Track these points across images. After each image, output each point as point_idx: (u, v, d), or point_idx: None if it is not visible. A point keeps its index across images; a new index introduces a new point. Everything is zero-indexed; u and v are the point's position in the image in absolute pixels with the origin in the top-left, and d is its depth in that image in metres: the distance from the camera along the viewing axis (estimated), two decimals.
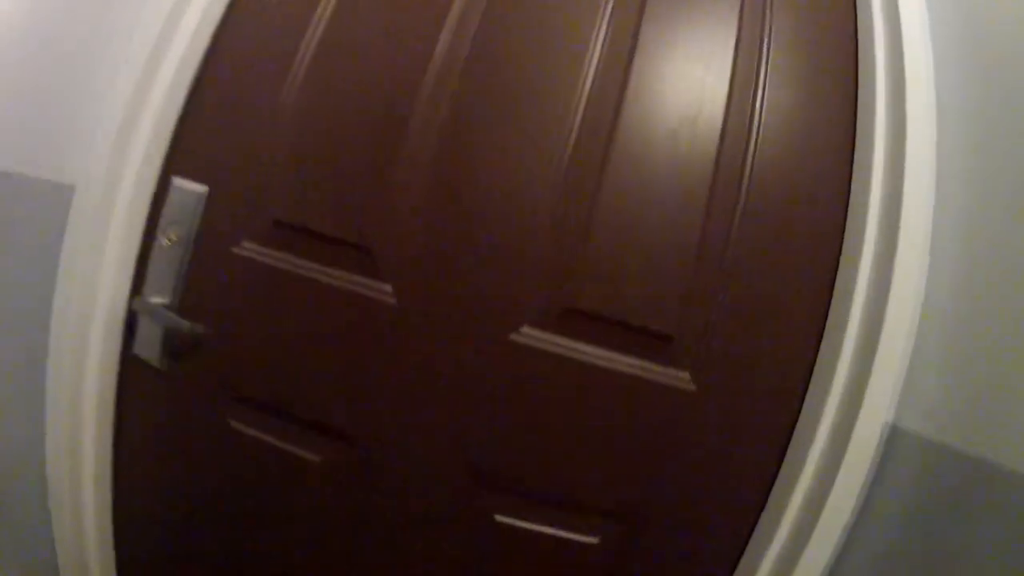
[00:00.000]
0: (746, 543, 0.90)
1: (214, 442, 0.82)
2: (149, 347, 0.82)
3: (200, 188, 0.81)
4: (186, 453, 0.83)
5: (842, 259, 0.86)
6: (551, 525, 0.87)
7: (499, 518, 0.85)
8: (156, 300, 0.81)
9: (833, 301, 0.87)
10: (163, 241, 0.82)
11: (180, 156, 0.83)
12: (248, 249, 0.80)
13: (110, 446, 0.86)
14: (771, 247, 0.87)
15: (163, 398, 0.84)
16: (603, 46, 0.85)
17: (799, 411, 0.88)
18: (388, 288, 0.78)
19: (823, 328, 0.87)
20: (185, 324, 0.77)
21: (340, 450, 0.80)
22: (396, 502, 0.81)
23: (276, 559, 0.84)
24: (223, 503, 0.83)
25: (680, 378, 0.86)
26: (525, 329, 0.80)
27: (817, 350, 0.87)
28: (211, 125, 0.83)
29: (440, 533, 0.83)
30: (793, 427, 0.88)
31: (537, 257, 0.80)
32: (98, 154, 0.81)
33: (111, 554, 0.89)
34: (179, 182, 0.82)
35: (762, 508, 0.89)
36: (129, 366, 0.85)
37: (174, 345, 0.81)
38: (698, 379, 0.86)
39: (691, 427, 0.86)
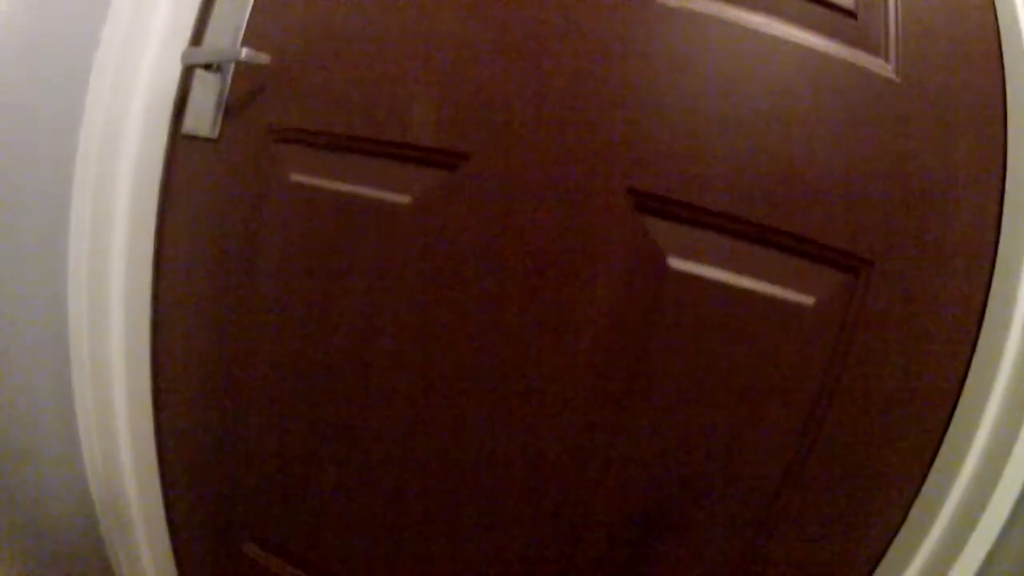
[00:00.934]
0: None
1: (276, 208, 0.59)
2: (200, 114, 0.64)
3: None
4: (241, 233, 0.61)
5: None
6: (749, 275, 0.59)
7: (673, 263, 0.58)
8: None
9: None
10: None
11: None
12: None
13: (151, 250, 0.64)
14: None
15: (214, 173, 0.63)
16: None
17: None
18: None
19: None
20: (244, 51, 0.59)
21: (439, 180, 0.56)
22: (520, 243, 0.55)
23: (369, 334, 0.57)
24: (296, 291, 0.58)
25: (878, 64, 0.63)
26: None
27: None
28: None
29: (585, 288, 0.55)
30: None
31: None
32: None
33: (146, 375, 0.62)
34: None
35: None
36: (176, 150, 0.66)
37: (229, 98, 0.63)
38: (900, 70, 0.64)
39: (905, 128, 0.62)
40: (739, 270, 0.58)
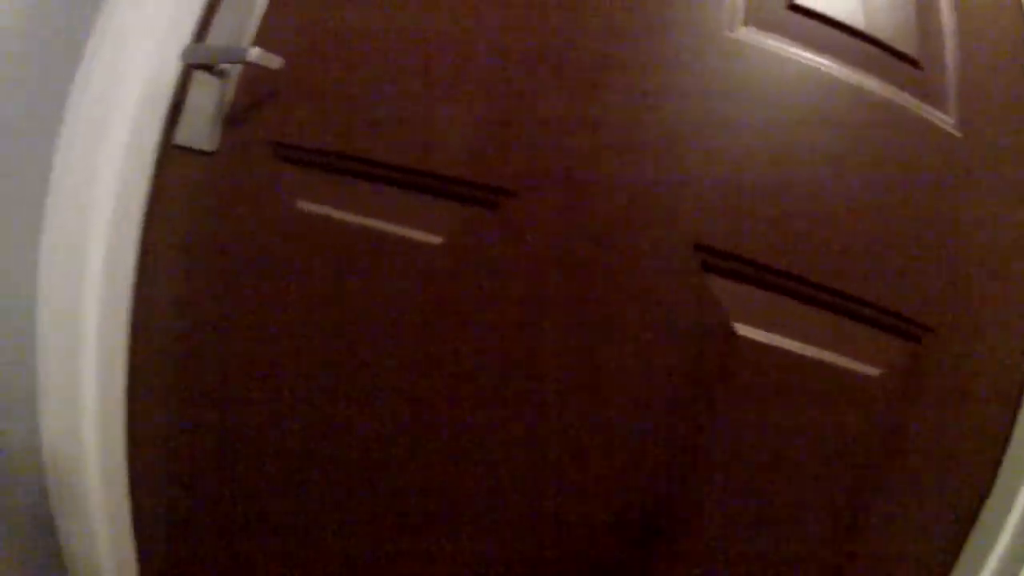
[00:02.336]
0: None
1: (279, 239, 0.48)
2: (196, 123, 0.51)
3: None
4: (239, 263, 0.48)
5: None
6: (815, 343, 0.51)
7: (741, 329, 0.49)
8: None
9: None
10: None
11: None
12: None
13: (132, 263, 0.51)
14: None
15: (209, 192, 0.51)
16: None
17: None
18: None
19: None
20: (254, 52, 0.47)
21: (476, 220, 0.46)
22: (571, 298, 0.45)
23: (382, 386, 0.46)
24: (297, 328, 0.46)
25: (940, 118, 0.57)
26: (743, 30, 0.52)
27: None
28: None
29: (643, 353, 0.45)
30: None
31: None
32: None
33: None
34: None
35: None
36: (166, 162, 0.53)
37: (231, 106, 0.51)
38: (960, 125, 0.57)
39: (965, 186, 0.55)
40: (806, 338, 0.50)
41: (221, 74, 0.51)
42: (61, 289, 0.51)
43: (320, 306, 0.47)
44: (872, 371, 0.52)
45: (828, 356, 0.50)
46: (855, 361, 0.51)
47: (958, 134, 0.57)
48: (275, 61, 0.49)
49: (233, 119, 0.50)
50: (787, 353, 0.49)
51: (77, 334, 0.51)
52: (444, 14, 0.48)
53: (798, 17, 0.55)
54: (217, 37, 0.53)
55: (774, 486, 0.51)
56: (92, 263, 0.50)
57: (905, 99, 0.55)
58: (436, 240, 0.45)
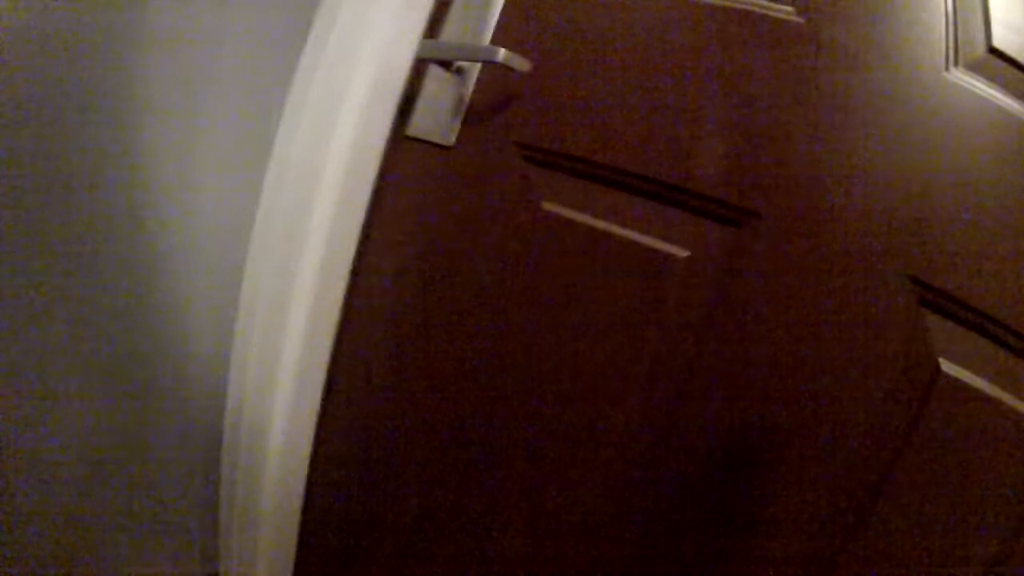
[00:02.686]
0: None
1: (521, 235, 0.49)
2: (433, 116, 0.53)
3: None
4: (471, 251, 0.50)
5: None
6: (1008, 389, 0.53)
7: (946, 367, 0.51)
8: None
9: None
10: None
11: None
12: None
13: (355, 240, 0.52)
14: None
15: (445, 183, 0.52)
16: None
17: None
18: (788, 8, 0.52)
19: None
20: (501, 53, 0.49)
21: (724, 237, 0.48)
22: (797, 317, 0.47)
23: (614, 385, 0.48)
24: (525, 324, 0.48)
25: None
26: (954, 70, 0.54)
27: None
28: None
29: (856, 378, 0.48)
30: None
31: None
32: None
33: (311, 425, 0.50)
34: None
35: None
36: (397, 150, 0.54)
37: (470, 103, 0.52)
38: None
39: None
40: (996, 380, 0.52)
41: (459, 71, 0.52)
42: (277, 262, 0.52)
43: (559, 306, 0.48)
44: None
45: (1013, 400, 0.52)
46: None
47: None
48: (524, 64, 0.50)
49: (472, 116, 0.51)
50: (983, 394, 0.51)
51: (288, 305, 0.52)
52: (693, 34, 0.49)
53: (996, 60, 0.56)
54: (452, 34, 0.54)
55: (944, 513, 0.53)
56: (313, 236, 0.52)
57: None
58: (683, 253, 0.47)
